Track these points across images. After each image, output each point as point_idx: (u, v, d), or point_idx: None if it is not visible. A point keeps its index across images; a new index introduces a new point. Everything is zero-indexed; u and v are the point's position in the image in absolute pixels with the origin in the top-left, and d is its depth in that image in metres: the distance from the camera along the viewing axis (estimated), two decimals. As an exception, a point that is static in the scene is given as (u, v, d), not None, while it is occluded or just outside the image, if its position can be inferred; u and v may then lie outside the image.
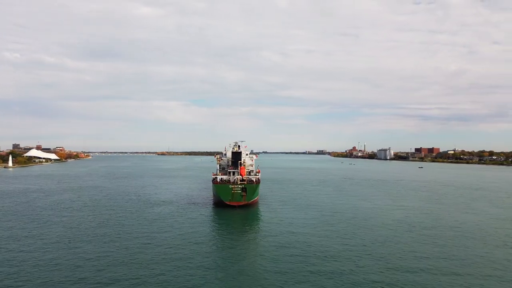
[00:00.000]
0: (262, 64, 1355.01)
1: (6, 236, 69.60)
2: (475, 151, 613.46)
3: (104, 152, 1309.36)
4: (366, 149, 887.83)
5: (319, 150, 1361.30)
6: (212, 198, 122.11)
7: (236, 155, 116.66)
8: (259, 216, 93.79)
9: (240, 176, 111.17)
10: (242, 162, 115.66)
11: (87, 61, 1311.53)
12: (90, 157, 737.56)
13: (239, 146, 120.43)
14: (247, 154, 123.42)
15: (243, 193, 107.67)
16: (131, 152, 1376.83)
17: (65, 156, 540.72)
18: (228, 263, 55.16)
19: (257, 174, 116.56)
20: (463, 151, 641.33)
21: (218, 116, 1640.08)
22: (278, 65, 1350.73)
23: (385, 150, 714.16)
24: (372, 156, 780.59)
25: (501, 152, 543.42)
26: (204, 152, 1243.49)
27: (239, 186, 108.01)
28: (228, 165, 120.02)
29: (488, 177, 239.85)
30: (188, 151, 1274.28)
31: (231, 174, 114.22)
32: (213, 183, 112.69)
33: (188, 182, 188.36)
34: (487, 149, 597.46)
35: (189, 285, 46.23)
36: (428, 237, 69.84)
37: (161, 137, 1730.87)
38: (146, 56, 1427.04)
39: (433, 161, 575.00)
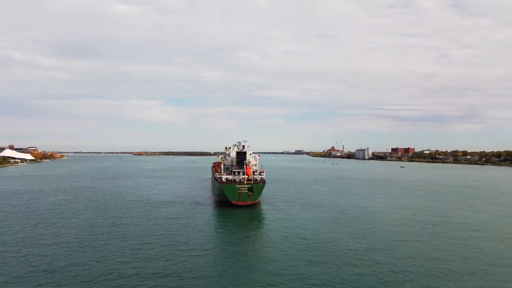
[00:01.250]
0: (242, 64, 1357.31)
1: (23, 238, 67.24)
2: (448, 151, 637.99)
3: (78, 152, 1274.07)
4: (344, 149, 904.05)
5: (297, 150, 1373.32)
6: (214, 197, 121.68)
7: (241, 155, 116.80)
8: (270, 216, 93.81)
9: (246, 176, 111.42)
10: (248, 162, 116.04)
11: (61, 59, 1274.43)
12: (65, 158, 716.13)
13: (243, 146, 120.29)
14: (250, 154, 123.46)
15: (250, 193, 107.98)
16: (106, 152, 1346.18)
17: (40, 157, 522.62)
18: (261, 262, 55.15)
19: (262, 174, 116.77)
20: (437, 151, 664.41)
21: (196, 116, 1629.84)
22: (257, 65, 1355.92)
23: (363, 150, 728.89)
24: (350, 156, 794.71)
25: (474, 152, 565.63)
26: (182, 152, 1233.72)
27: (246, 186, 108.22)
28: (232, 164, 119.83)
29: (469, 176, 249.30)
30: (165, 151, 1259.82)
31: (236, 174, 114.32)
32: (218, 182, 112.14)
33: (182, 182, 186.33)
34: (456, 149, 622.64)
35: (231, 279, 46.60)
36: (444, 235, 72.27)
37: (137, 137, 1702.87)
38: (123, 55, 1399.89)
39: (411, 161, 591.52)
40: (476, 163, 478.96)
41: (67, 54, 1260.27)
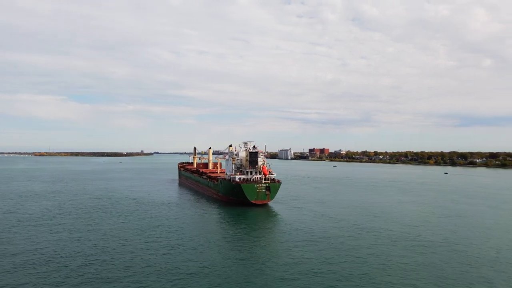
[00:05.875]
0: (153, 61, 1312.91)
1: (74, 247, 59.20)
2: (358, 151, 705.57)
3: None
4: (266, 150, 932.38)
5: (215, 151, 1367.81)
6: (220, 197, 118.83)
7: (254, 155, 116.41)
8: (291, 213, 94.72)
9: (263, 176, 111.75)
10: (263, 162, 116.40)
11: None
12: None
13: (254, 146, 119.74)
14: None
15: (267, 192, 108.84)
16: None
17: None
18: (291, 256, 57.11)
19: (272, 173, 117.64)
20: (349, 151, 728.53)
21: (102, 113, 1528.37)
22: (171, 63, 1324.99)
23: (286, 151, 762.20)
24: (273, 156, 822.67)
25: (385, 152, 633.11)
26: (91, 152, 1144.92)
27: (264, 185, 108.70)
28: (242, 164, 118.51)
29: (406, 174, 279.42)
30: (71, 151, 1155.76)
31: (249, 173, 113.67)
32: (232, 182, 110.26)
33: (148, 184, 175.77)
34: (355, 150, 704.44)
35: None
36: (470, 226, 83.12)
37: (31, 136, 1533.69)
38: (12, 43, 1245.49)
39: (331, 160, 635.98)
40: (389, 162, 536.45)
41: None
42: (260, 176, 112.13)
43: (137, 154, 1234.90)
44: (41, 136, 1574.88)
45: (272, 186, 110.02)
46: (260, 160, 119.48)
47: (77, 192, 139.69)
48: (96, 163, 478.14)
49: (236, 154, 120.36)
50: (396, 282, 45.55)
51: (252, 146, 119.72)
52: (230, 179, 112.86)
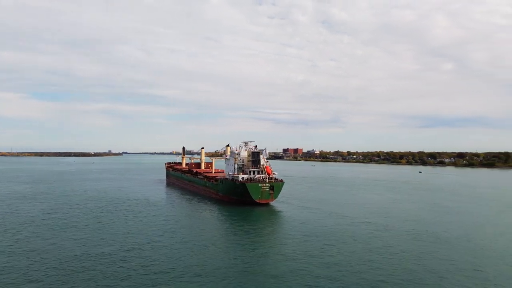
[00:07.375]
0: (124, 59, 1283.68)
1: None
2: (331, 151, 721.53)
3: None
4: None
5: (188, 151, 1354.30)
6: (221, 197, 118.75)
7: (256, 155, 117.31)
8: (298, 212, 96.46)
9: (267, 175, 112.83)
10: (266, 162, 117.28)
11: None
12: None
13: (256, 146, 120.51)
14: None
15: (271, 191, 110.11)
16: None
17: None
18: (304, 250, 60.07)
19: (275, 173, 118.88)
20: (322, 151, 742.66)
21: (68, 112, 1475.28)
22: (141, 61, 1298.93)
23: (261, 150, 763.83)
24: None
25: (356, 152, 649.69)
26: (56, 153, 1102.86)
27: (268, 184, 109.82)
28: (243, 164, 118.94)
29: (382, 173, 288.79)
30: (35, 151, 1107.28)
31: (252, 173, 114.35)
32: (235, 182, 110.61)
33: (137, 184, 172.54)
34: (325, 150, 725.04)
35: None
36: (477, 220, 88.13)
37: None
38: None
39: (306, 160, 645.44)
40: (363, 162, 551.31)
41: None
42: (264, 175, 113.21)
43: (105, 154, 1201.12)
44: (0, 135, 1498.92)
45: (276, 185, 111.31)
46: (262, 159, 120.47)
47: (68, 193, 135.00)
48: (67, 164, 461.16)
49: (237, 154, 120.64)
50: (431, 280, 48.01)
51: (254, 146, 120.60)
52: (233, 178, 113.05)
